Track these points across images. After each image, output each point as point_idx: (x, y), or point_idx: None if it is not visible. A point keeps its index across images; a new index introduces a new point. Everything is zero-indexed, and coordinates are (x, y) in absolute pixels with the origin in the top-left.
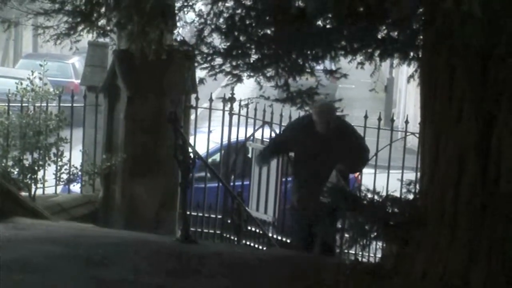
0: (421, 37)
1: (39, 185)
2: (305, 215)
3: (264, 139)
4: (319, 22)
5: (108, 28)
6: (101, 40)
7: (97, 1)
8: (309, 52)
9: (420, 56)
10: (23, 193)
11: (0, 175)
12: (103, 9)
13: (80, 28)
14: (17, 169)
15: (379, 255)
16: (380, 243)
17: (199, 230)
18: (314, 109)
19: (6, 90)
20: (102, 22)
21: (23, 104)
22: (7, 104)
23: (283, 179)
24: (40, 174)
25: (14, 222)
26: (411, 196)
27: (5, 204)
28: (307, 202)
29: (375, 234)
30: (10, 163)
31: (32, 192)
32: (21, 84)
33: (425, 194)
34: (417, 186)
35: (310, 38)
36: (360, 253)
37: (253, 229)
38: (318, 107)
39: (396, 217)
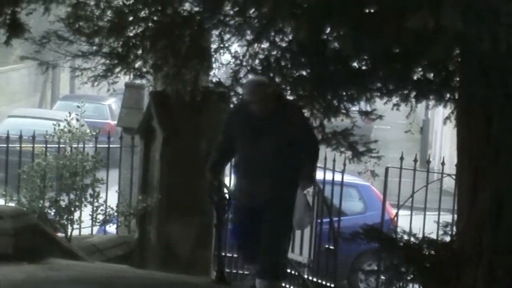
0: (457, 78)
1: (75, 225)
2: (247, 211)
3: None
4: (355, 64)
5: (145, 69)
6: (137, 81)
7: (133, 43)
8: (344, 93)
9: (456, 97)
10: (59, 234)
11: (37, 216)
12: (139, 51)
13: (117, 70)
14: (53, 210)
15: None
16: (416, 285)
17: (234, 271)
18: (243, 88)
19: (43, 131)
20: (138, 64)
21: (60, 145)
22: (44, 146)
23: (319, 220)
24: (76, 215)
25: (50, 263)
26: (447, 238)
27: (41, 245)
28: (251, 198)
29: (411, 276)
30: (46, 203)
31: (68, 233)
32: (58, 125)
33: (462, 237)
34: (454, 228)
35: (346, 80)
36: None
37: (288, 270)
38: (247, 85)
39: (432, 259)
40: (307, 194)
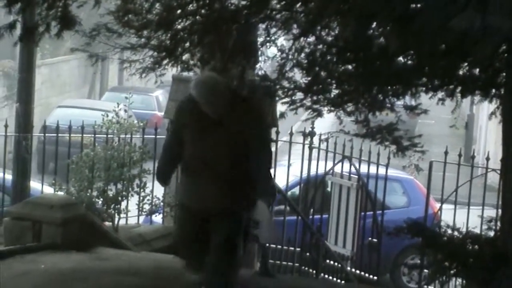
0: (503, 74)
1: (122, 215)
2: (193, 217)
3: (344, 173)
4: (400, 59)
5: (192, 62)
6: (184, 74)
7: (181, 37)
8: (389, 88)
9: (502, 93)
10: (107, 223)
11: (85, 206)
12: (187, 45)
13: (164, 62)
14: (101, 200)
15: None
16: (459, 280)
17: (278, 263)
18: (192, 85)
19: (92, 122)
20: (186, 57)
21: (108, 136)
22: (93, 136)
23: (362, 213)
24: (123, 204)
25: (98, 253)
26: (491, 233)
27: (89, 235)
28: (200, 202)
29: (454, 271)
30: (94, 193)
31: (115, 223)
32: (107, 116)
33: (507, 232)
34: (498, 224)
35: (391, 75)
36: None
37: (332, 263)
38: (196, 83)
39: (476, 254)
40: (267, 207)
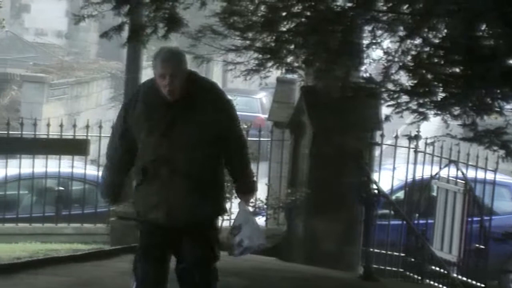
0: None
1: (225, 217)
2: (155, 232)
3: (450, 178)
4: (510, 61)
5: (296, 64)
6: (289, 76)
7: (286, 38)
8: (498, 91)
9: None
10: None
11: None
12: (291, 46)
13: (269, 64)
14: None
15: None
16: None
17: (382, 267)
18: (155, 59)
19: None
20: (290, 59)
21: None
22: None
23: (469, 219)
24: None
25: None
26: None
27: None
28: (163, 214)
29: None
30: None
31: (219, 224)
32: None
33: None
34: None
35: (500, 77)
36: None
37: (437, 268)
38: (160, 51)
39: None
40: (247, 208)
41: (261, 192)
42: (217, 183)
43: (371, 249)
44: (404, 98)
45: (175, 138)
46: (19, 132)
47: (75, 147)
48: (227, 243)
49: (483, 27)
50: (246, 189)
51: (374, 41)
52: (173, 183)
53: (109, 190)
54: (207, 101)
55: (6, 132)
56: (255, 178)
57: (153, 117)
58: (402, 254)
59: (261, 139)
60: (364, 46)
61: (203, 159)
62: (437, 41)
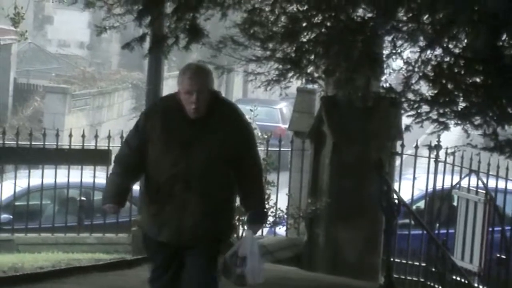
0: None
1: (245, 227)
2: (166, 252)
3: (471, 188)
4: None
5: (316, 75)
6: (309, 86)
7: (306, 49)
8: None
9: None
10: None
11: None
12: (312, 57)
13: (289, 74)
14: None
15: None
16: None
17: (402, 277)
18: (179, 78)
19: None
20: (310, 69)
21: None
22: None
23: (490, 229)
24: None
25: None
26: None
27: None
28: (174, 235)
29: None
30: None
31: (239, 234)
32: None
33: None
34: None
35: None
36: None
37: (458, 278)
38: (187, 67)
39: None
40: (255, 240)
41: (282, 201)
42: (230, 204)
43: (392, 259)
44: (425, 107)
45: (193, 156)
46: (42, 143)
47: (97, 157)
48: (223, 266)
49: (504, 36)
50: (259, 220)
51: (394, 51)
52: (188, 202)
53: (117, 193)
54: (227, 122)
55: (29, 142)
56: (266, 209)
57: (172, 134)
58: (423, 264)
59: (282, 149)
60: (385, 56)
61: (220, 179)
62: (457, 51)
